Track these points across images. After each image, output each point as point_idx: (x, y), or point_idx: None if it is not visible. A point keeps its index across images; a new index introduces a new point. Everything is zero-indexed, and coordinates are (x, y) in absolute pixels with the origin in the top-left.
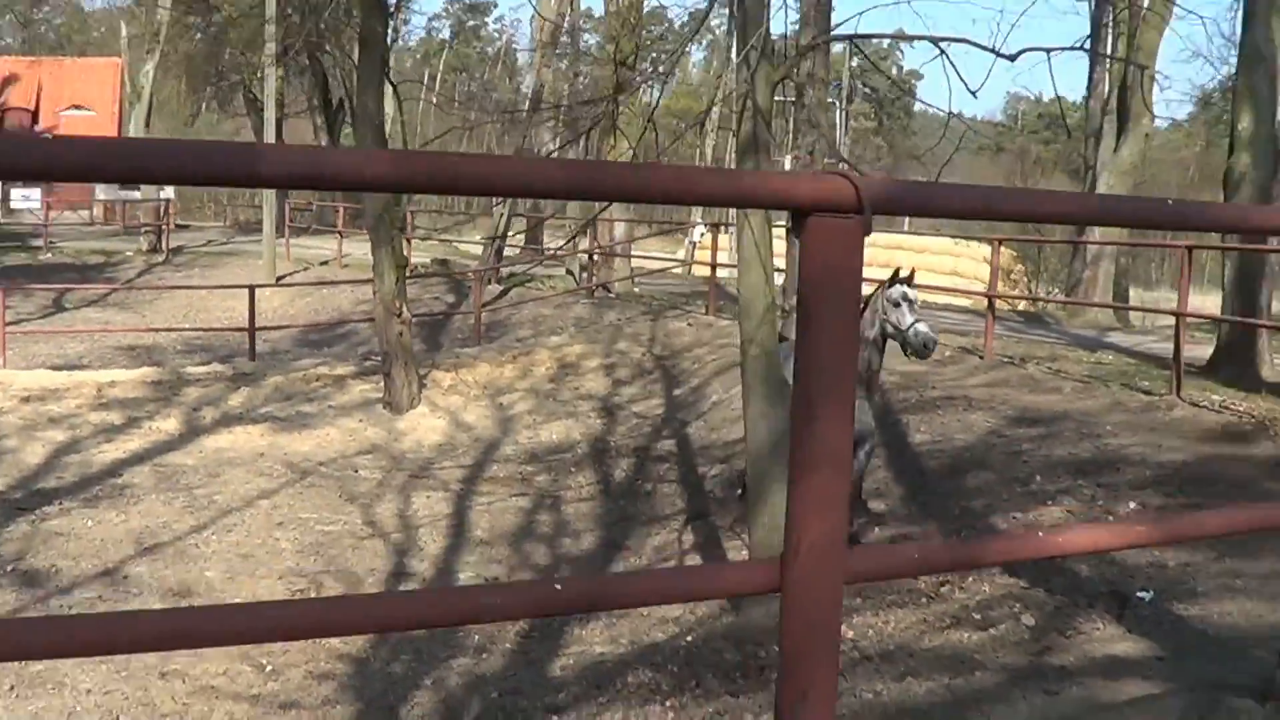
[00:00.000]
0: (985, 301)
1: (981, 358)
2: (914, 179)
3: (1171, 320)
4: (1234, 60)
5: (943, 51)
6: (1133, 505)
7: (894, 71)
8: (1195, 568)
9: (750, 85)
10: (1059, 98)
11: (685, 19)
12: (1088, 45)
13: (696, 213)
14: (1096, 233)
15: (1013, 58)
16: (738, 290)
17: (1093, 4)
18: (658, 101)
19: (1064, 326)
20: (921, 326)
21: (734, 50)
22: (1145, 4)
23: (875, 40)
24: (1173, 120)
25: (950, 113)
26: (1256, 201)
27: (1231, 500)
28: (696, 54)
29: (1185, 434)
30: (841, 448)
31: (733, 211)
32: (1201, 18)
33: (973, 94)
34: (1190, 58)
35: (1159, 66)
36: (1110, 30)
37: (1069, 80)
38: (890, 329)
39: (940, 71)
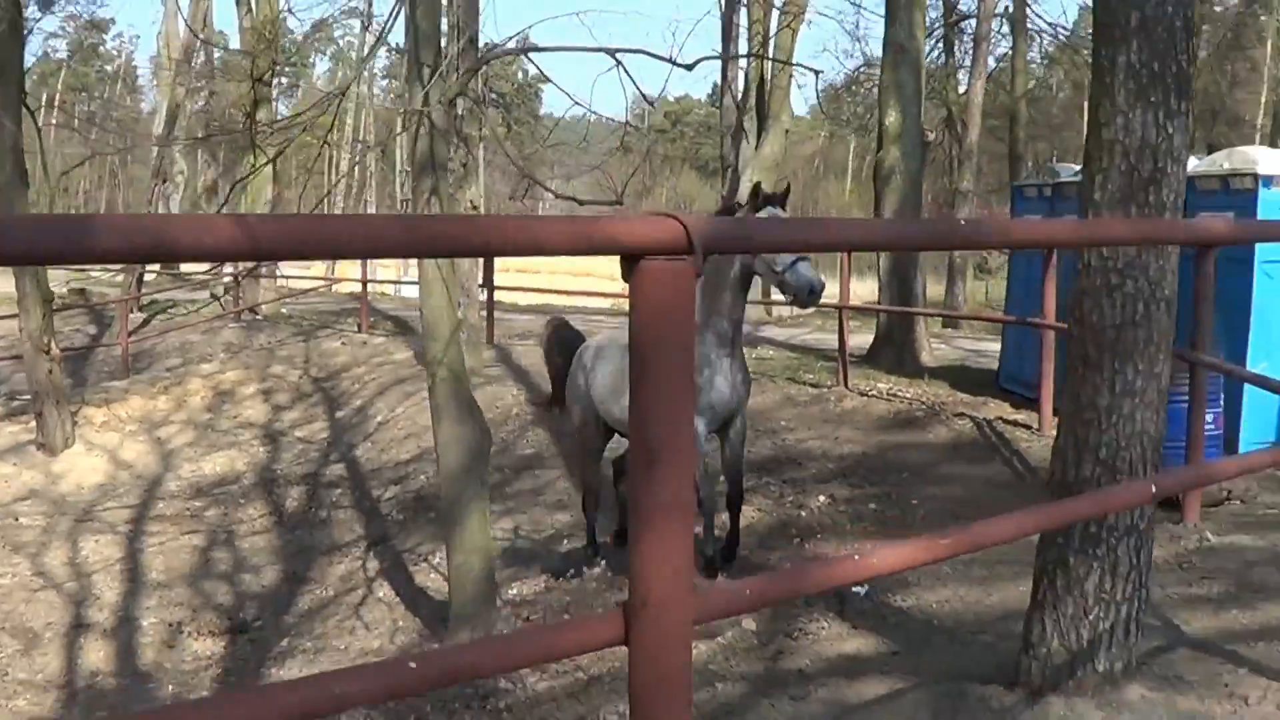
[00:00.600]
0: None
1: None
2: (736, 218)
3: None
4: (858, 55)
5: (619, 63)
6: (821, 499)
7: (519, 77)
8: None
9: (425, 102)
10: (720, 97)
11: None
12: (763, 52)
13: None
14: None
15: (690, 67)
16: (420, 312)
17: (722, 4)
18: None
19: None
20: (804, 266)
21: (406, 68)
22: (779, 3)
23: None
24: (795, 114)
25: (627, 122)
26: (907, 192)
27: (915, 483)
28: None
29: (859, 424)
30: (684, 494)
31: None
32: (857, 11)
33: (650, 104)
34: (818, 52)
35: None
36: (745, 29)
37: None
38: (760, 266)
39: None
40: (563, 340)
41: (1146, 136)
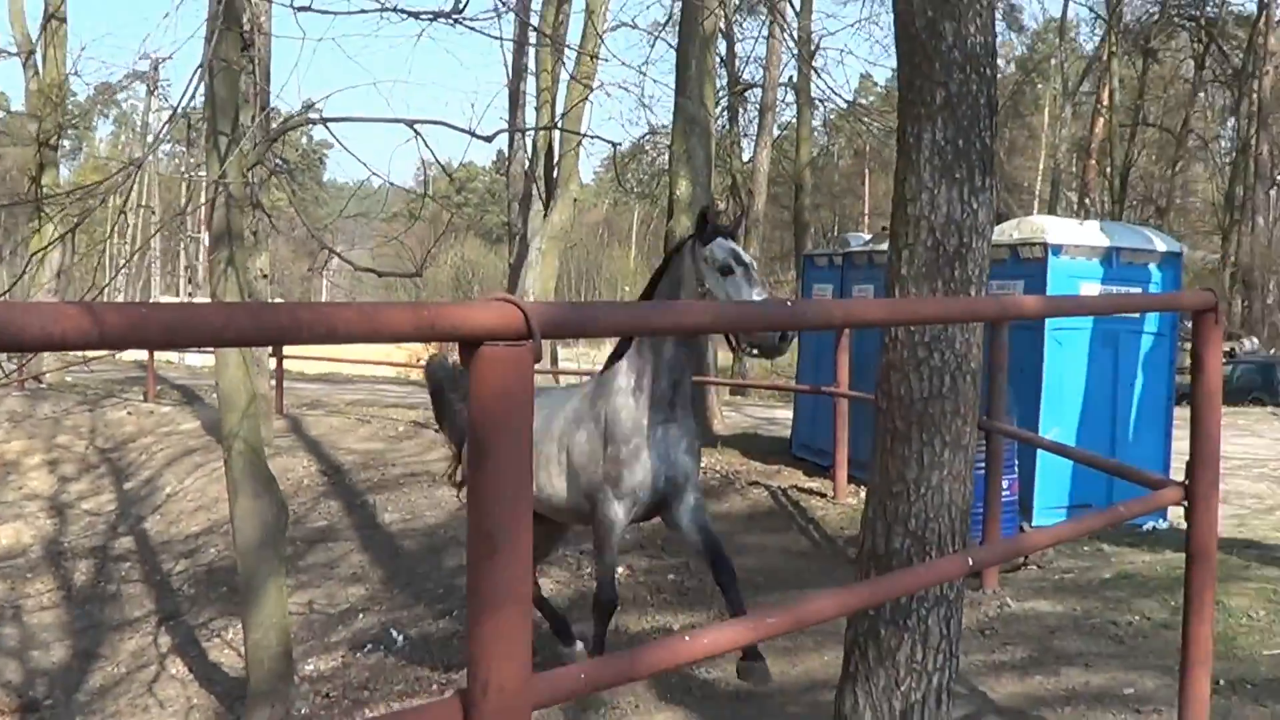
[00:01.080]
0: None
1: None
2: (570, 302)
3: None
4: (644, 123)
5: (418, 134)
6: (620, 571)
7: (305, 143)
8: None
9: (222, 173)
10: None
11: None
12: (560, 125)
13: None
14: (534, 293)
15: (489, 138)
16: (216, 384)
17: (509, 73)
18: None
19: None
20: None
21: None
22: (568, 75)
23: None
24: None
25: (426, 194)
26: None
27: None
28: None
29: None
30: (522, 581)
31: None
32: (640, 85)
33: (449, 176)
34: (605, 120)
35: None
36: (534, 98)
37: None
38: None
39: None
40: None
41: (951, 212)
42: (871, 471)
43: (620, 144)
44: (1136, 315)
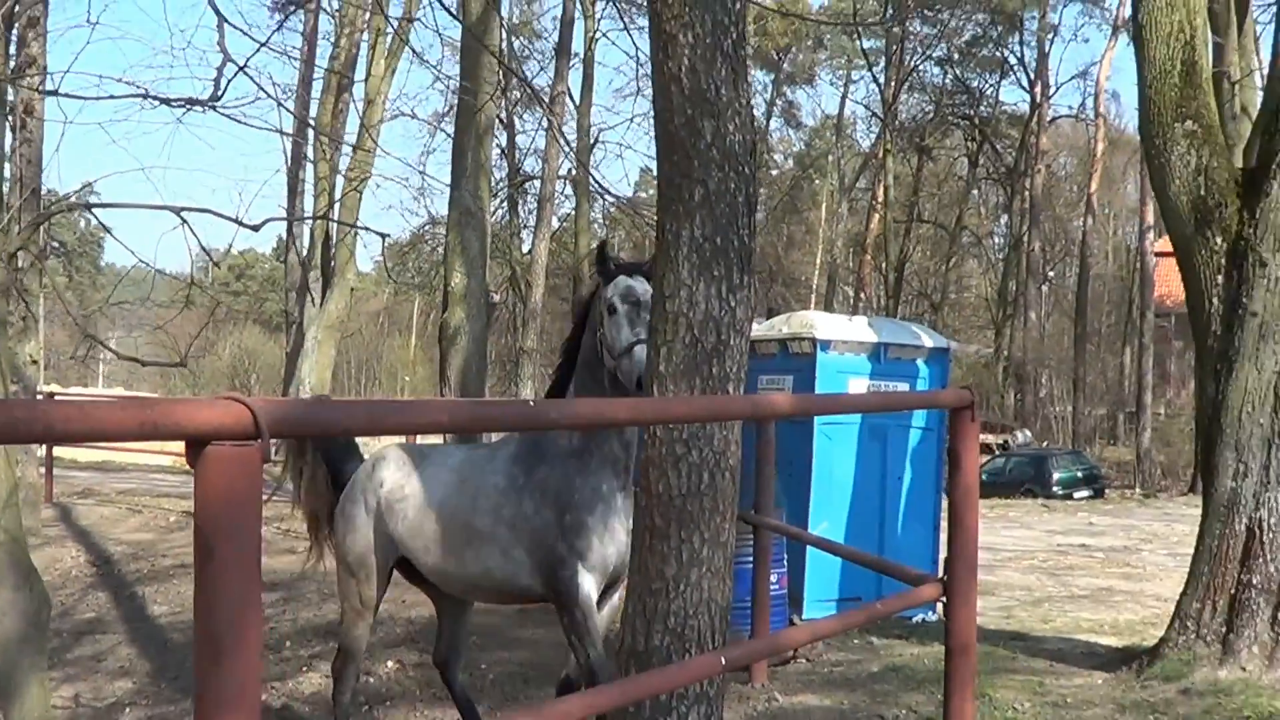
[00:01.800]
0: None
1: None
2: (304, 397)
3: None
4: (424, 213)
5: (184, 221)
6: (391, 664)
7: (82, 226)
8: None
9: None
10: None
11: None
12: (334, 215)
13: None
14: (309, 382)
15: (257, 227)
16: None
17: (287, 160)
18: None
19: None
20: (643, 353)
21: None
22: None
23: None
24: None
25: (191, 280)
26: (472, 352)
27: (485, 648)
28: None
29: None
30: (251, 685)
31: None
32: (421, 175)
33: (215, 264)
34: (384, 209)
35: (364, 221)
36: (312, 187)
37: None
38: (605, 357)
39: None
40: (328, 447)
41: (710, 310)
42: (631, 568)
43: (389, 235)
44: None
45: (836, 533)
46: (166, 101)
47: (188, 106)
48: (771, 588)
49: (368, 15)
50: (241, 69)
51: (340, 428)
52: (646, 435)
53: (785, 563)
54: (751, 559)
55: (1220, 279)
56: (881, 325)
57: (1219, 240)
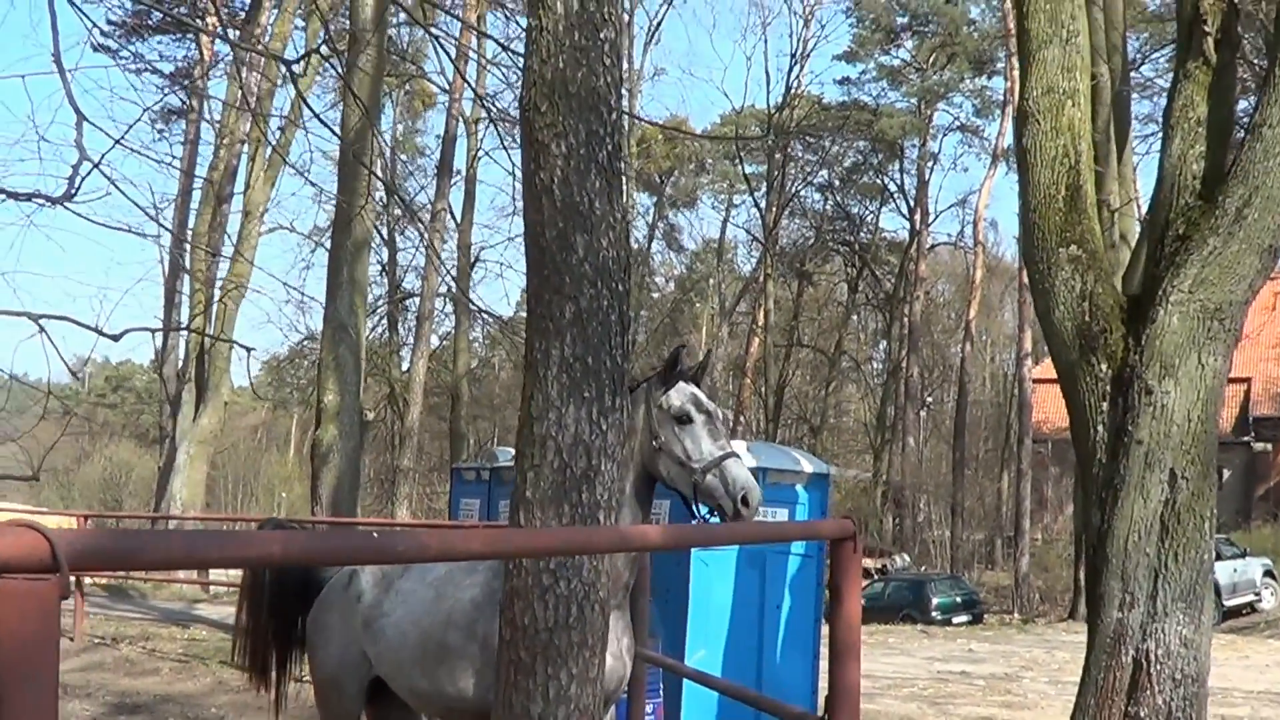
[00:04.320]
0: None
1: (71, 639)
2: (112, 530)
3: None
4: (302, 329)
5: (42, 329)
6: None
7: None
8: None
9: None
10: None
11: None
12: (205, 328)
13: None
14: (180, 498)
15: (117, 337)
16: None
17: (164, 270)
18: None
19: (151, 600)
20: (735, 465)
21: None
22: (220, 283)
23: None
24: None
25: (47, 390)
26: (345, 470)
27: None
28: None
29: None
30: None
31: None
32: (281, 290)
33: (74, 375)
34: (262, 323)
35: (239, 335)
36: (188, 298)
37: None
38: (668, 467)
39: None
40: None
41: (580, 433)
42: (495, 705)
43: (254, 349)
44: None
45: (714, 661)
46: (13, 195)
47: (39, 203)
48: (647, 717)
49: (247, 127)
50: (96, 165)
51: (151, 560)
52: (511, 565)
53: (661, 693)
54: (626, 690)
55: (1105, 406)
56: (761, 450)
57: (1104, 366)
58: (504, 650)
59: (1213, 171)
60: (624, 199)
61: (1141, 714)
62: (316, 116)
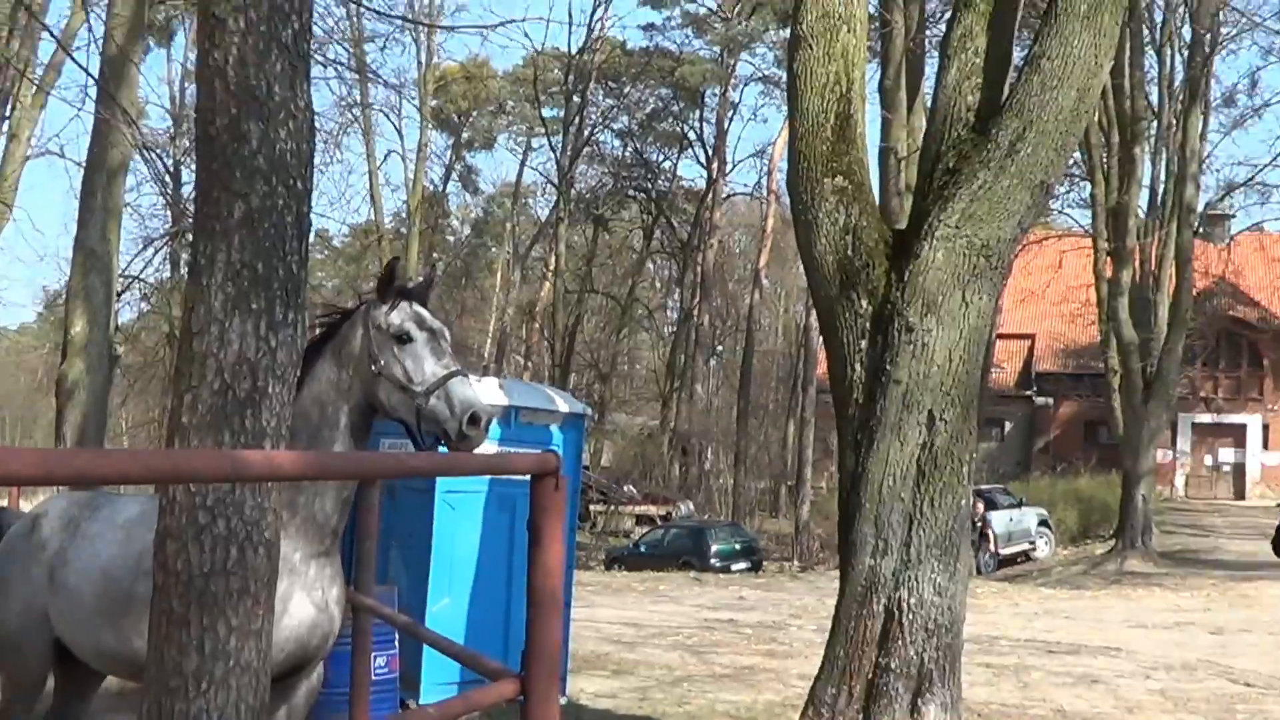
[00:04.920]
0: None
1: None
2: None
3: None
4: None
5: None
6: None
7: None
8: None
9: None
10: None
11: None
12: None
13: None
14: None
15: None
16: None
17: None
18: None
19: None
20: (461, 385)
21: None
22: None
23: None
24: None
25: None
26: (91, 409)
27: None
28: None
29: None
30: None
31: None
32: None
33: None
34: (38, 260)
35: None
36: None
37: None
38: (388, 393)
39: None
40: None
41: (245, 350)
42: (148, 661)
43: None
44: None
45: (458, 610)
46: None
47: None
48: (379, 671)
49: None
50: None
51: None
52: (164, 502)
53: (397, 643)
54: (350, 641)
55: (864, 344)
56: (514, 388)
57: (864, 303)
58: (157, 599)
59: (988, 104)
60: (308, 85)
61: (892, 665)
62: (48, 31)
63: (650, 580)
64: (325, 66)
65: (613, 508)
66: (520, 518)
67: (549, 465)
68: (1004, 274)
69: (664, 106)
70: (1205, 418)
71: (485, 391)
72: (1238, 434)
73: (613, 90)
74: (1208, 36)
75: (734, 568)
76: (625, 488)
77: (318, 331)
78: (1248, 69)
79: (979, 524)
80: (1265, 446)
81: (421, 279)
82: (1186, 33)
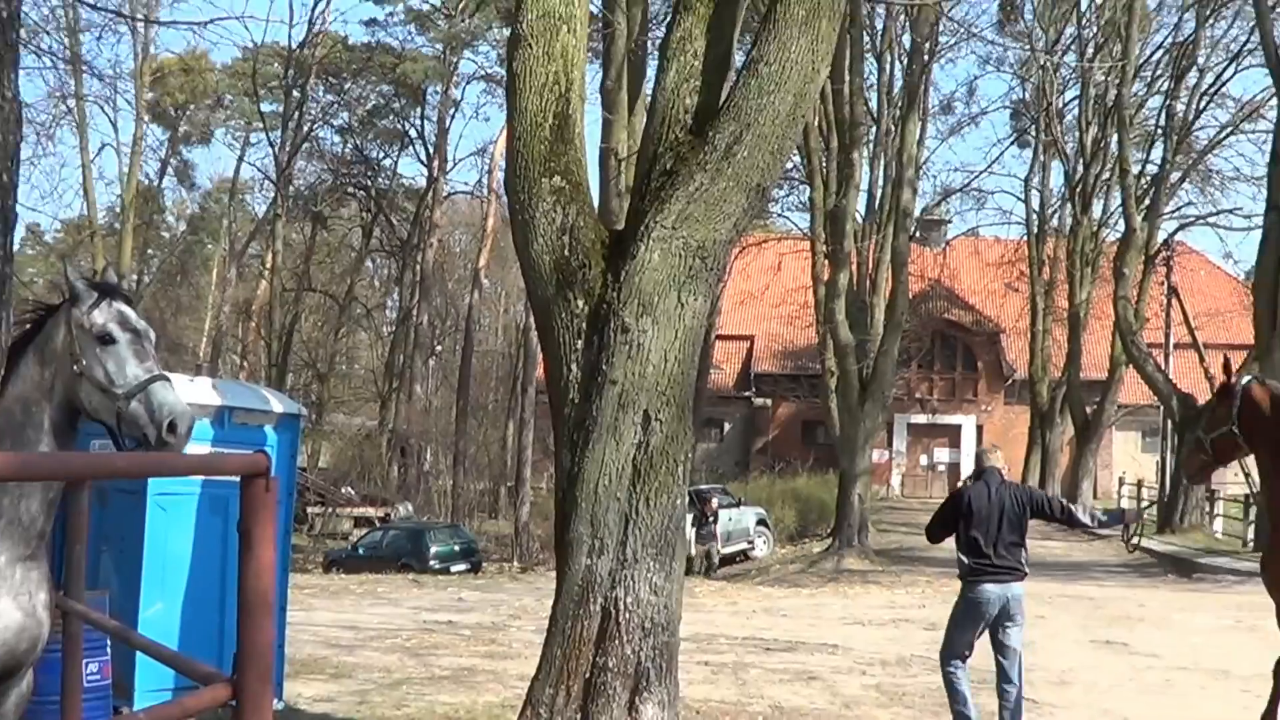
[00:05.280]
0: None
1: None
2: None
3: None
4: None
5: None
6: None
7: None
8: None
9: None
10: None
11: None
12: None
13: None
14: None
15: None
16: None
17: None
18: None
19: None
20: (163, 389)
21: None
22: None
23: None
24: None
25: None
26: None
27: None
28: None
29: None
30: None
31: None
32: None
33: None
34: None
35: None
36: None
37: None
38: (93, 396)
39: None
40: None
41: None
42: None
43: None
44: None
45: (172, 615)
46: None
47: None
48: (91, 678)
49: None
50: None
51: None
52: None
53: (109, 650)
54: (60, 648)
55: (580, 345)
56: (228, 388)
57: (581, 303)
58: None
59: (707, 107)
60: (17, 76)
61: (610, 664)
62: None
63: (369, 582)
64: (38, 56)
65: (331, 510)
66: (234, 520)
67: (259, 466)
68: (720, 275)
69: (385, 103)
70: (921, 418)
71: (195, 393)
72: (952, 434)
73: (333, 86)
74: (927, 45)
75: (453, 569)
76: (344, 489)
77: (26, 328)
78: (966, 77)
79: (711, 519)
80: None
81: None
82: (906, 40)
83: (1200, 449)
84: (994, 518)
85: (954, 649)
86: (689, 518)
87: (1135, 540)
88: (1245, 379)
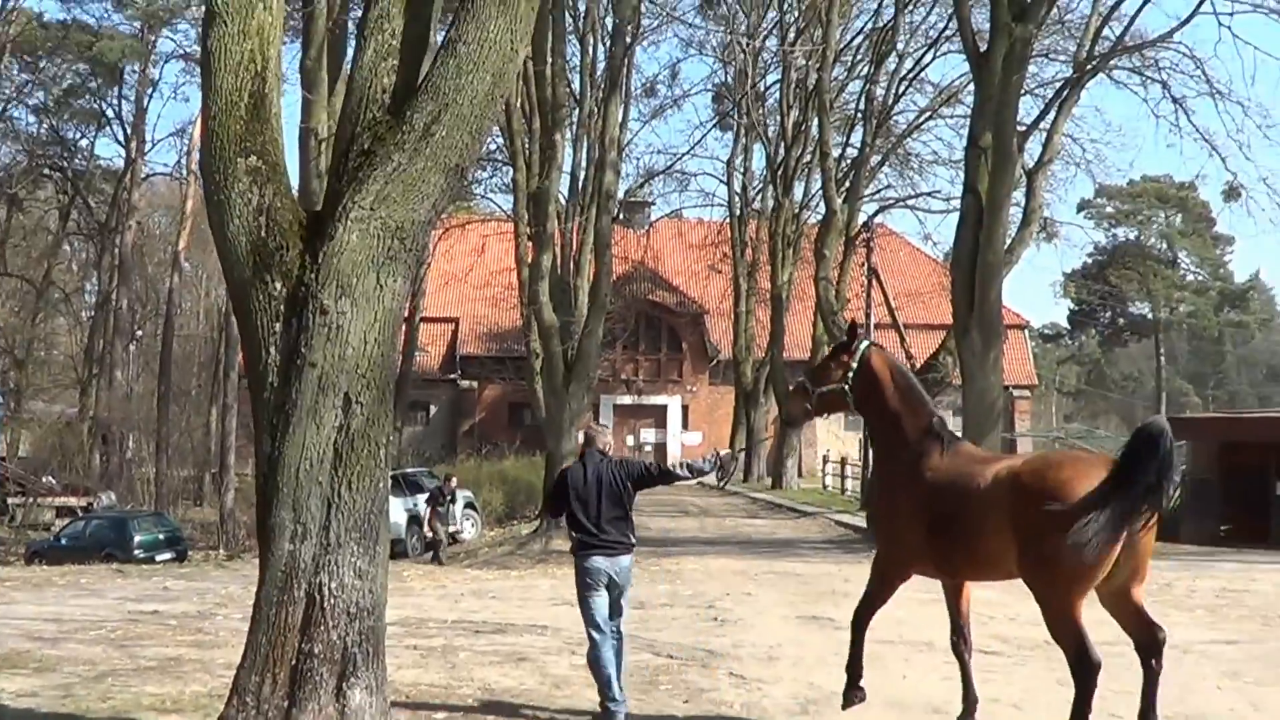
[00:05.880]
0: None
1: None
2: None
3: None
4: None
5: None
6: None
7: None
8: None
9: None
10: None
11: None
12: None
13: None
14: None
15: None
16: None
17: None
18: None
19: None
20: None
21: None
22: None
23: None
24: None
25: None
26: None
27: None
28: None
29: None
30: None
31: None
32: None
33: None
34: None
35: None
36: None
37: None
38: None
39: None
40: None
41: None
42: None
43: None
44: None
45: None
46: None
47: None
48: None
49: None
50: None
51: None
52: None
53: None
54: None
55: (279, 327)
56: None
57: (279, 285)
58: None
59: (405, 87)
60: None
61: (316, 650)
62: None
63: (72, 573)
64: None
65: (32, 500)
66: None
67: None
68: (420, 257)
69: (81, 82)
70: (627, 399)
71: None
72: (659, 414)
73: (28, 64)
74: (629, 27)
75: (159, 558)
76: (45, 479)
77: None
78: (669, 60)
79: (449, 499)
80: (685, 427)
81: None
82: (609, 22)
83: (805, 396)
84: (592, 495)
85: (590, 619)
86: (423, 499)
87: (726, 484)
88: (864, 344)
